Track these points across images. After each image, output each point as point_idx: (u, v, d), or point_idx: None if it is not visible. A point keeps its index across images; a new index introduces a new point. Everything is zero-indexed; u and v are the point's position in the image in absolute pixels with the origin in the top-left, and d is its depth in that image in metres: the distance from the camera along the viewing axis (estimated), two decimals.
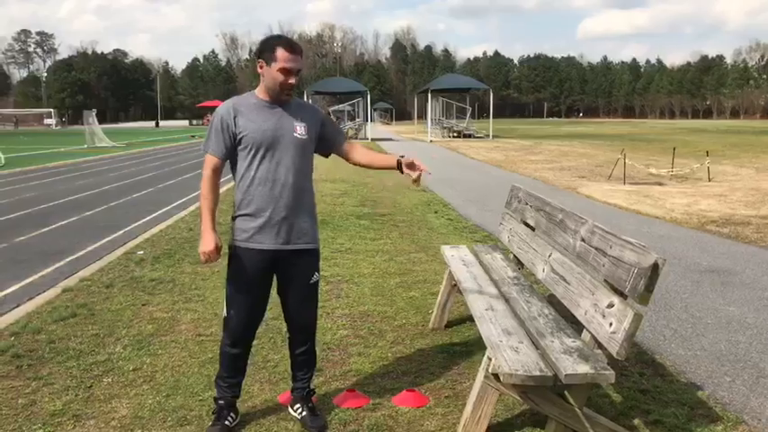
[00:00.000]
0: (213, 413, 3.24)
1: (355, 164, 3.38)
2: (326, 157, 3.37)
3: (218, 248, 3.01)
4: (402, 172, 3.24)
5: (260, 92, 3.09)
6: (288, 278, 3.19)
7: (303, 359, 3.34)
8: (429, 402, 3.51)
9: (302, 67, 3.06)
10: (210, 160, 3.06)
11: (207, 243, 2.99)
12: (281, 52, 2.96)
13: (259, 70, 3.05)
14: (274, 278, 3.22)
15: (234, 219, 3.12)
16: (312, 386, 3.42)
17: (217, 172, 3.07)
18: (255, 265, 3.08)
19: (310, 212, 3.20)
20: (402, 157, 3.27)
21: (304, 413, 3.26)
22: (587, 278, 3.16)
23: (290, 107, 3.11)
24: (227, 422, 3.18)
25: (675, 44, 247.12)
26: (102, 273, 6.39)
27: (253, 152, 3.02)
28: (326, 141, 3.27)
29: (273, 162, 3.03)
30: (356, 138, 41.75)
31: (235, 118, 3.02)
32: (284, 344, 4.06)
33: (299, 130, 3.09)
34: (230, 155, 3.07)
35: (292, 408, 3.33)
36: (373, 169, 3.44)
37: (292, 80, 2.99)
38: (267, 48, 3.00)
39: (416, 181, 3.22)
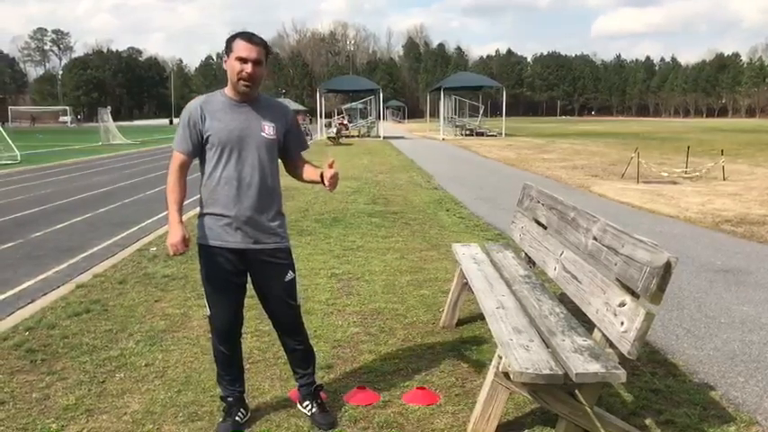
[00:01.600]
0: (223, 410, 3.27)
1: (296, 176, 3.35)
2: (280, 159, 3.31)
3: (184, 240, 3.00)
4: (323, 183, 3.15)
5: (228, 89, 3.09)
6: (261, 277, 3.19)
7: (297, 356, 3.35)
8: (439, 400, 3.50)
9: (261, 60, 3.00)
10: (178, 157, 3.07)
11: (174, 235, 3.00)
12: (237, 42, 2.98)
13: (224, 66, 3.06)
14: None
15: (200, 217, 3.14)
16: (319, 381, 3.44)
17: (183, 168, 3.09)
18: (225, 262, 3.10)
19: (278, 211, 3.18)
20: (323, 172, 3.17)
21: (314, 410, 3.27)
22: (599, 277, 3.14)
23: (259, 106, 3.10)
24: (237, 418, 3.20)
25: (690, 42, 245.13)
26: (116, 269, 6.45)
27: (219, 151, 3.02)
28: (287, 149, 3.24)
29: (240, 162, 3.03)
30: (368, 135, 41.77)
31: (202, 116, 3.02)
32: None
33: (267, 129, 3.08)
34: (198, 152, 3.07)
35: (302, 405, 3.34)
36: (307, 182, 3.35)
37: (248, 69, 2.96)
38: (228, 42, 3.03)
39: (331, 185, 3.12)
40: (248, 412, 3.29)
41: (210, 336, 3.32)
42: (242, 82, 2.98)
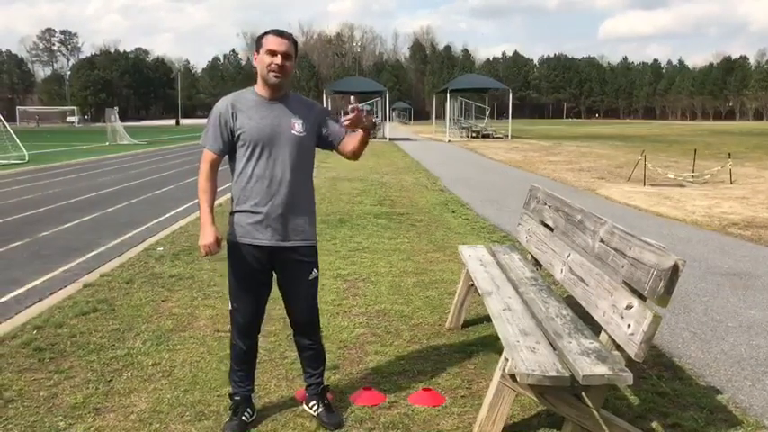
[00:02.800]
0: (230, 409, 3.28)
1: (350, 154, 3.31)
2: (330, 150, 3.34)
3: (217, 241, 3.05)
4: (363, 130, 3.17)
5: (258, 87, 3.13)
6: (286, 275, 3.22)
7: (310, 354, 3.37)
8: (445, 402, 3.51)
9: (291, 54, 3.06)
10: (208, 155, 3.10)
11: (207, 236, 3.03)
12: (268, 37, 3.05)
13: (254, 62, 3.11)
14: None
15: (231, 214, 3.17)
16: (326, 382, 3.44)
17: (214, 167, 3.12)
18: (253, 260, 3.13)
19: (307, 209, 3.22)
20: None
21: (320, 410, 3.28)
22: (606, 279, 3.14)
23: (288, 103, 3.14)
24: (243, 418, 3.21)
25: (698, 45, 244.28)
26: (123, 268, 6.47)
27: (250, 149, 3.06)
28: (329, 139, 3.26)
29: (271, 159, 3.07)
30: (374, 137, 41.74)
31: (233, 114, 3.06)
32: None
33: (297, 127, 3.11)
34: (228, 150, 3.11)
35: (308, 405, 3.35)
36: (360, 150, 3.28)
37: (278, 61, 3.01)
38: (258, 39, 3.10)
39: (359, 123, 3.10)
40: (255, 412, 3.30)
41: (230, 330, 3.33)
42: (272, 74, 3.03)
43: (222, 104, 3.11)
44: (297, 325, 3.35)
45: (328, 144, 3.29)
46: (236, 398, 3.26)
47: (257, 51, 3.08)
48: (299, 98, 3.26)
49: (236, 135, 3.06)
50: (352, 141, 3.26)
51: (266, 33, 3.08)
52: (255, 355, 3.38)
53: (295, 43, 3.11)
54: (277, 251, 3.13)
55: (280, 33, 3.07)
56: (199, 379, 3.78)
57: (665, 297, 2.62)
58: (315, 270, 3.26)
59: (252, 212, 3.09)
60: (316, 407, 3.30)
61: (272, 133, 3.06)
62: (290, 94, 3.18)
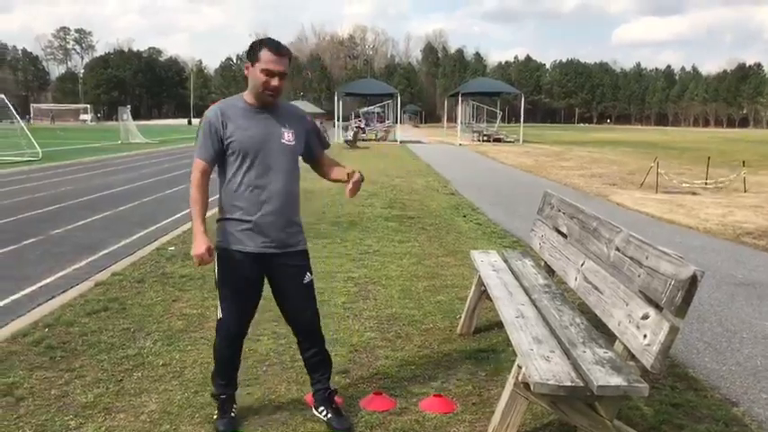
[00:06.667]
0: (218, 408, 3.29)
1: (324, 176, 3.42)
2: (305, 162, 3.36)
3: (209, 250, 2.99)
4: (348, 182, 3.26)
5: (247, 95, 3.09)
6: (280, 281, 3.21)
7: (315, 360, 3.35)
8: (456, 408, 3.48)
9: (287, 71, 3.02)
10: (199, 164, 3.05)
11: (198, 246, 2.97)
12: (264, 53, 2.97)
13: (245, 72, 3.06)
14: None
15: (219, 221, 3.14)
16: (336, 386, 3.43)
17: (205, 175, 3.07)
18: (243, 267, 3.10)
19: (296, 216, 3.21)
20: (350, 172, 3.26)
21: (329, 415, 3.26)
22: (621, 288, 3.10)
23: (277, 113, 3.11)
24: (232, 414, 3.26)
25: (712, 52, 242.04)
26: (134, 268, 6.49)
27: (240, 158, 3.03)
28: (307, 151, 3.28)
29: (261, 168, 3.04)
30: (385, 140, 41.78)
31: (223, 122, 3.02)
32: None
33: (287, 136, 3.10)
34: (219, 159, 3.07)
35: (317, 410, 3.33)
36: (330, 180, 3.42)
37: (275, 82, 2.98)
38: (253, 49, 3.02)
39: (350, 191, 3.25)
40: (236, 404, 3.35)
41: (216, 338, 3.30)
42: (268, 92, 3.01)
43: (211, 113, 3.06)
44: (298, 332, 3.34)
45: (309, 155, 3.30)
46: (221, 397, 3.29)
47: (250, 62, 3.01)
48: (288, 106, 3.25)
49: (226, 143, 3.02)
50: (336, 173, 3.34)
51: (263, 45, 2.99)
52: (240, 360, 3.37)
53: (290, 56, 3.07)
54: (267, 258, 3.11)
55: (276, 49, 2.98)
56: (209, 381, 3.74)
57: (683, 308, 2.58)
58: (308, 274, 3.24)
59: (241, 220, 3.06)
60: (325, 412, 3.28)
61: (262, 141, 3.03)
62: (279, 103, 3.14)
